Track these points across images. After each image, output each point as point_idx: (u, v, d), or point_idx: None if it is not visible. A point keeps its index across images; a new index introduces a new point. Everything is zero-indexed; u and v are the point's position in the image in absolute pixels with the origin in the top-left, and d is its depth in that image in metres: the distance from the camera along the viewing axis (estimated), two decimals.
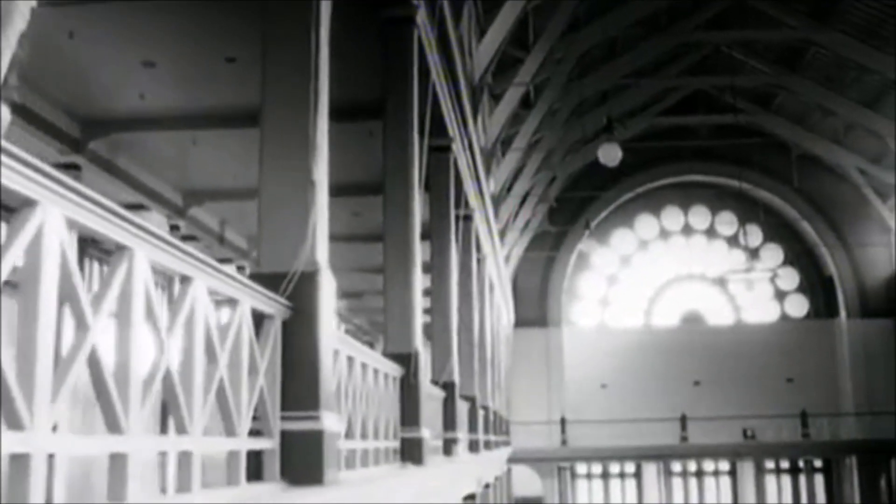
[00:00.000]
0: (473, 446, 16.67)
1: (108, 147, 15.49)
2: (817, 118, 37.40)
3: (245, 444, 4.25)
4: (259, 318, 4.75)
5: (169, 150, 15.83)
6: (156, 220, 16.45)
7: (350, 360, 6.80)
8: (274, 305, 4.74)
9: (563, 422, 34.52)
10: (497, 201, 26.28)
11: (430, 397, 11.96)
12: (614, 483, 40.37)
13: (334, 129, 15.39)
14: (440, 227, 13.57)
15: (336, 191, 19.09)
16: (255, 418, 4.65)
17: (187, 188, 17.82)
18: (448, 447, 12.71)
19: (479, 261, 21.24)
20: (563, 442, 34.37)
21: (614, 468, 40.40)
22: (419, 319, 9.42)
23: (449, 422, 12.86)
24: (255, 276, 4.79)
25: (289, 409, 4.82)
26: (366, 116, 11.72)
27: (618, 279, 41.80)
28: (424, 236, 13.84)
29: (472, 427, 16.79)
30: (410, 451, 8.79)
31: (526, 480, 37.44)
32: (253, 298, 4.41)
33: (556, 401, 37.09)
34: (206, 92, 13.24)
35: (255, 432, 4.61)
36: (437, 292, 13.59)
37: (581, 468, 40.39)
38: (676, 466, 39.74)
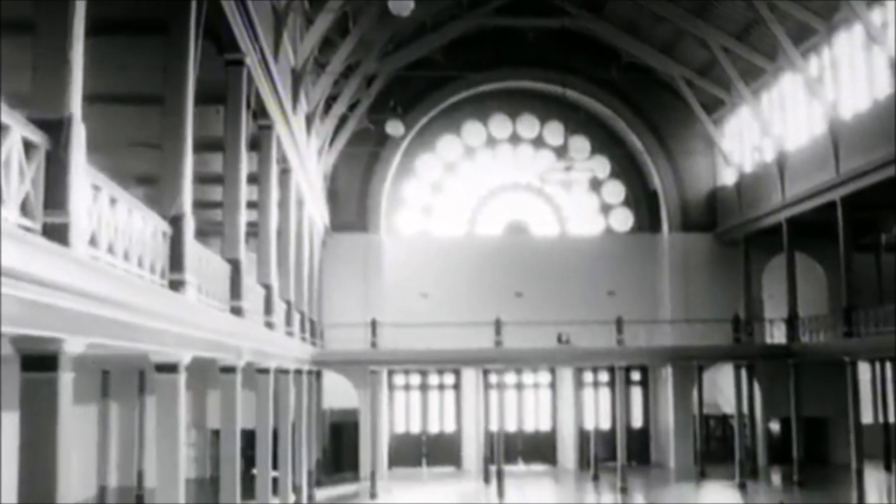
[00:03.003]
0: (236, 312, 14.97)
1: None
2: (647, 25, 36.62)
3: None
4: None
5: None
6: None
7: None
8: None
9: (373, 324, 33.03)
10: (301, 75, 24.27)
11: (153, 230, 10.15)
12: (433, 395, 39.49)
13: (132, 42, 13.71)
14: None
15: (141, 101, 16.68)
16: None
17: None
18: (174, 287, 10.97)
19: (263, 127, 19.43)
20: (373, 345, 32.91)
21: (433, 380, 39.49)
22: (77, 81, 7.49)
23: (175, 262, 11.10)
24: None
25: None
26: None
27: (442, 187, 40.44)
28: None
29: (236, 295, 15.07)
30: (52, 238, 6.95)
31: (340, 392, 36.04)
32: None
33: (374, 309, 35.54)
34: None
35: None
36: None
37: (399, 379, 39.30)
38: (496, 379, 39.01)
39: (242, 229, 15.51)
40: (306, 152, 26.44)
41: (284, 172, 23.12)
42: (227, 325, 13.76)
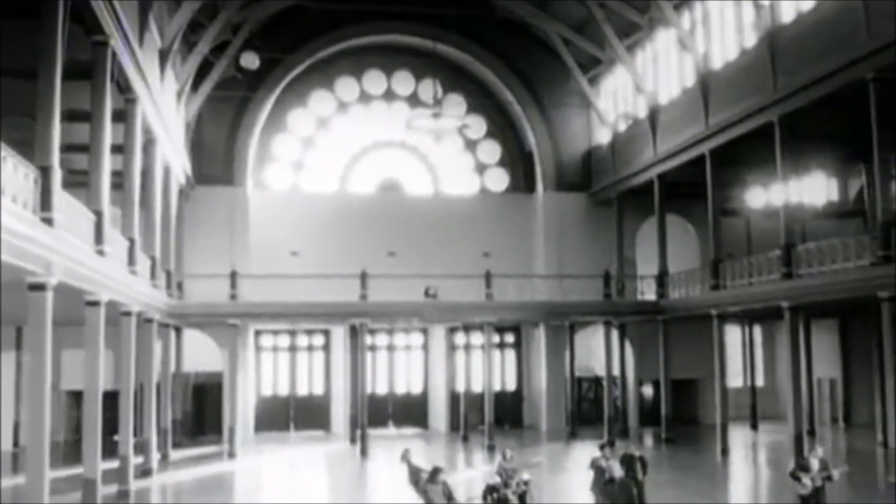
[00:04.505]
0: (46, 223, 13.63)
1: None
2: None
3: None
4: None
5: None
6: None
7: None
8: None
9: (233, 275, 31.55)
10: (149, 2, 22.78)
11: None
12: (302, 357, 38.31)
13: None
14: None
15: None
16: None
17: None
18: None
19: (97, 44, 18.01)
20: (233, 297, 31.44)
21: (302, 341, 38.30)
22: None
23: None
24: None
25: None
26: None
27: (314, 142, 39.07)
28: None
29: (46, 205, 13.74)
30: None
31: (207, 356, 34.62)
32: None
33: (240, 267, 33.85)
34: None
35: None
36: None
37: (267, 341, 38.00)
38: (367, 340, 38.03)
39: (56, 136, 14.14)
40: (158, 87, 24.94)
41: (129, 102, 21.69)
42: (20, 225, 12.21)
